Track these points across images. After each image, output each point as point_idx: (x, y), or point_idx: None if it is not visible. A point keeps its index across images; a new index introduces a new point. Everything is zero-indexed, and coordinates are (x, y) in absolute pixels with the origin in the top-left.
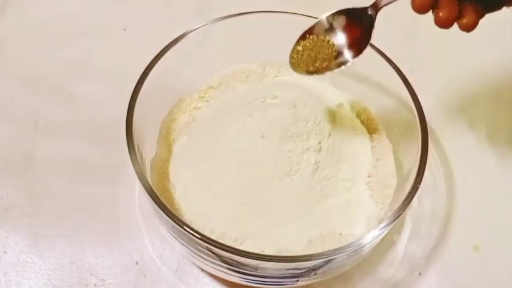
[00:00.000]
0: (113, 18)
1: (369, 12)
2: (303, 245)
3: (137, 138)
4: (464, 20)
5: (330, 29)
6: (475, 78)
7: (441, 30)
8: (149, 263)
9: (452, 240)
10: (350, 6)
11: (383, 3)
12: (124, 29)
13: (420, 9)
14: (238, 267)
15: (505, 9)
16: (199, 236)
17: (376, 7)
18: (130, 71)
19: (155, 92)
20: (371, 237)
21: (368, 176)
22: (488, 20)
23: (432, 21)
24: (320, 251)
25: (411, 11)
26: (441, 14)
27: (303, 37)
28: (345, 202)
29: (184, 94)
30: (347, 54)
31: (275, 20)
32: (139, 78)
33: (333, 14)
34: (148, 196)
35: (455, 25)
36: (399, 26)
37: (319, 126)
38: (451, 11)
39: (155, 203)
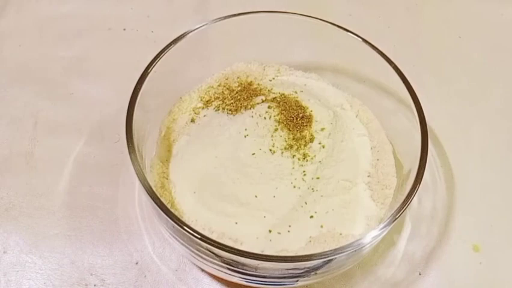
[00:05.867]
0: (113, 18)
1: None
2: (303, 245)
3: (137, 138)
4: None
5: None
6: (475, 78)
7: (442, 30)
8: (149, 263)
9: (452, 240)
10: (350, 6)
11: None
12: (124, 29)
13: None
14: (238, 267)
15: (504, 10)
16: (199, 236)
17: None
18: (130, 71)
19: (155, 92)
20: (370, 237)
21: (368, 176)
22: (489, 20)
23: (433, 21)
24: (320, 251)
25: (412, 11)
26: None
27: None
28: (345, 202)
29: (184, 94)
30: None
31: (275, 20)
32: (139, 78)
33: None
34: (148, 196)
35: (455, 26)
36: (399, 26)
37: (319, 126)
38: None
39: (155, 203)
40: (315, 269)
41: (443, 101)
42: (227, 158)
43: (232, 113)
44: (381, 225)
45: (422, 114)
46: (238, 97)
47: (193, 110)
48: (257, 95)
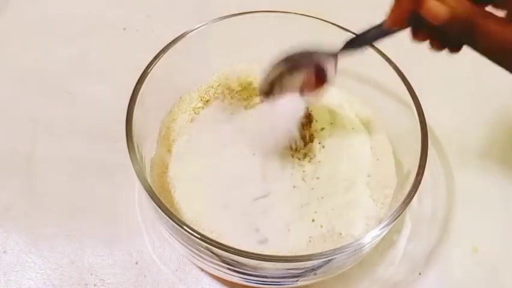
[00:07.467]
0: (113, 18)
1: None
2: (303, 245)
3: (137, 138)
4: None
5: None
6: (475, 79)
7: None
8: (149, 263)
9: (451, 240)
10: (350, 6)
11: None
12: (124, 29)
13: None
14: (238, 267)
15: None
16: (199, 236)
17: (335, 56)
18: (130, 71)
19: (155, 92)
20: (370, 237)
21: (368, 176)
22: None
23: None
24: (320, 251)
25: None
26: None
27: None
28: (345, 202)
29: (184, 94)
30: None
31: (275, 20)
32: (139, 78)
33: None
34: (148, 196)
35: None
36: None
37: (319, 126)
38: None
39: (155, 203)
40: (315, 269)
41: (443, 101)
42: (227, 157)
43: (232, 113)
44: (381, 225)
45: (422, 114)
46: (238, 97)
47: (193, 110)
48: (257, 95)
